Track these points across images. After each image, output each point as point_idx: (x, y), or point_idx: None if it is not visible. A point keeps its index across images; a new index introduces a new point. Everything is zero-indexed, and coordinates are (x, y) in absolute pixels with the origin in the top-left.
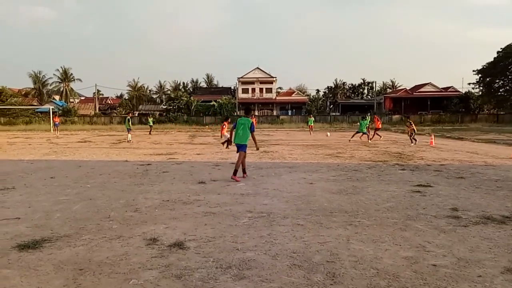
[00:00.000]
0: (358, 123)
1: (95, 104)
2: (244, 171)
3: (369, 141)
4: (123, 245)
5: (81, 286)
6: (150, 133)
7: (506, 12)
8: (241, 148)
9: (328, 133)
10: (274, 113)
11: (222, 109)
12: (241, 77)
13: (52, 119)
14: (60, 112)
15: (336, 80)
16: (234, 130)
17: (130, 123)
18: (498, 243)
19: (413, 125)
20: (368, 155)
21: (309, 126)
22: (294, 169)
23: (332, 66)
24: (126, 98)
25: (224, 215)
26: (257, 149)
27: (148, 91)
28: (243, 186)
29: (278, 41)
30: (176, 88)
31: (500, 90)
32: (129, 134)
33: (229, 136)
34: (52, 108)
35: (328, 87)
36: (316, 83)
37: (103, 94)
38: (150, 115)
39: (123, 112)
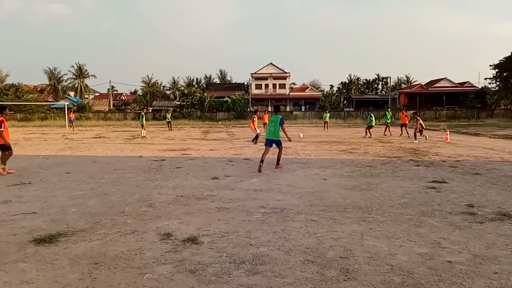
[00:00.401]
0: (371, 117)
1: (110, 100)
2: (277, 163)
3: (403, 135)
4: (137, 240)
5: (96, 280)
6: (170, 129)
7: None
8: (274, 143)
9: (301, 134)
10: (288, 109)
11: (236, 105)
12: (254, 73)
13: (67, 115)
14: (75, 108)
15: (350, 75)
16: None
17: (144, 119)
18: None
19: (420, 120)
20: (383, 151)
21: (324, 122)
22: (308, 165)
23: (346, 61)
24: (140, 94)
25: (238, 211)
26: (289, 140)
27: (161, 87)
28: (256, 182)
29: (291, 37)
30: (189, 84)
31: None
32: (143, 130)
33: (258, 131)
34: (67, 104)
35: (342, 82)
36: (330, 78)
37: (117, 90)
38: (168, 111)
39: (137, 108)
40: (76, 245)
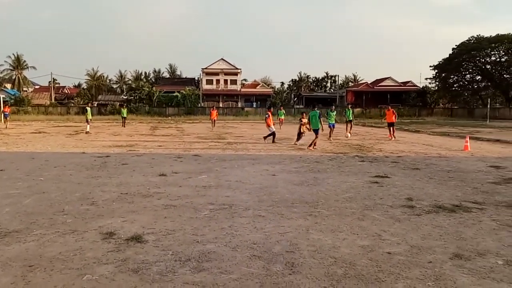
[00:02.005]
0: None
1: (51, 94)
2: (311, 145)
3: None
4: (77, 240)
5: (31, 283)
6: (124, 125)
7: (462, 11)
8: (315, 131)
9: (349, 135)
10: (239, 105)
11: (186, 100)
12: (206, 68)
13: (2, 109)
14: (12, 101)
15: (300, 73)
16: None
17: (89, 113)
18: (448, 230)
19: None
20: (330, 147)
21: (279, 119)
22: (257, 161)
23: (296, 59)
24: (85, 87)
25: (185, 208)
26: (322, 130)
27: (108, 81)
28: (205, 178)
29: (243, 33)
30: (137, 78)
31: (454, 85)
32: (88, 125)
33: (274, 129)
34: (3, 97)
35: (292, 80)
36: (281, 75)
37: (59, 83)
38: (124, 105)
39: (81, 102)
40: (8, 247)
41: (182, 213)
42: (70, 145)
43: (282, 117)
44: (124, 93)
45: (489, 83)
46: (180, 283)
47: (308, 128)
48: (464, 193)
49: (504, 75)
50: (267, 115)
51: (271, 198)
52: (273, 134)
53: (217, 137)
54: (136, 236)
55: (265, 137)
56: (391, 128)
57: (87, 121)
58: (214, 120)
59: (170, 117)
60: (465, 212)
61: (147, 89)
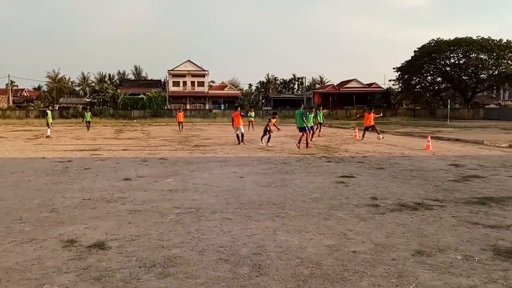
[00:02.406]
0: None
1: (9, 97)
2: (299, 141)
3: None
4: (36, 249)
5: None
6: (88, 129)
7: (423, 14)
8: (300, 130)
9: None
10: (207, 107)
11: (152, 102)
12: (172, 70)
13: None
14: None
15: (268, 75)
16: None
17: (50, 117)
18: (411, 228)
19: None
20: (297, 148)
21: (249, 121)
22: (225, 163)
23: (264, 61)
24: (45, 90)
25: (150, 213)
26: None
27: (70, 83)
28: (171, 182)
29: (210, 35)
30: (101, 80)
31: (417, 87)
32: (48, 129)
33: (243, 130)
34: None
35: (260, 81)
36: (249, 77)
37: (17, 86)
38: (88, 109)
39: (41, 106)
40: None
41: (147, 218)
42: (29, 150)
43: (252, 118)
44: (88, 95)
45: (449, 85)
46: None
47: (277, 128)
48: (426, 191)
49: (463, 77)
50: (243, 114)
51: (239, 201)
52: (241, 136)
53: (184, 140)
54: (98, 243)
55: (262, 137)
56: (365, 132)
57: (47, 124)
58: (181, 123)
59: (135, 120)
60: (426, 210)
61: (112, 91)
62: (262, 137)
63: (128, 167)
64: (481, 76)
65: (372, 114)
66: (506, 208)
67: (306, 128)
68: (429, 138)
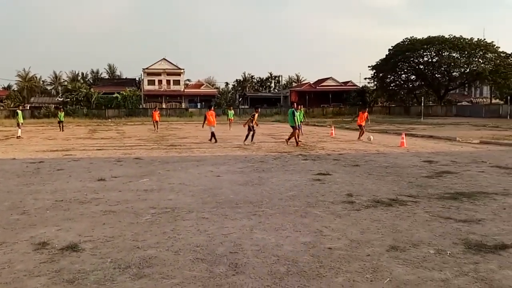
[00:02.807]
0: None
1: None
2: (289, 138)
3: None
4: (6, 252)
5: None
6: (62, 130)
7: (397, 13)
8: (293, 128)
9: (372, 137)
10: (183, 105)
11: (127, 101)
12: (147, 68)
13: None
14: None
15: (244, 73)
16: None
17: (21, 116)
18: (385, 224)
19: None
20: (275, 147)
21: (228, 119)
22: (202, 162)
23: (240, 59)
24: (15, 89)
25: (125, 213)
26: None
27: (41, 82)
28: (147, 182)
29: (186, 33)
30: (74, 79)
31: (391, 85)
32: (19, 129)
33: (213, 129)
34: None
35: (237, 80)
36: (225, 76)
37: None
38: (61, 109)
39: (11, 105)
40: None
41: (122, 219)
42: None
43: (231, 117)
44: (60, 95)
45: (422, 82)
46: None
47: (256, 124)
48: (400, 187)
49: (436, 75)
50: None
51: (215, 200)
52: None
53: (160, 139)
54: (71, 245)
55: (246, 136)
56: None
57: (18, 125)
58: (157, 122)
59: (110, 119)
60: (401, 206)
61: (85, 90)
62: (247, 136)
63: (102, 167)
64: (453, 74)
65: (366, 113)
66: (476, 202)
67: (297, 126)
68: (404, 136)
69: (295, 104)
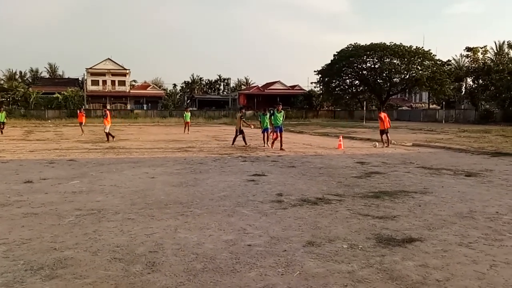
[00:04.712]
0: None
1: None
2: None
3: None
4: None
5: None
6: (1, 132)
7: (342, 20)
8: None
9: (377, 144)
10: (128, 107)
11: (68, 102)
12: (90, 68)
13: None
14: None
15: (193, 75)
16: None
17: None
18: (308, 221)
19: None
20: (217, 149)
21: (185, 122)
22: (139, 164)
23: (189, 61)
24: None
25: (48, 215)
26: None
27: None
28: (77, 184)
29: (132, 33)
30: (11, 77)
31: (337, 89)
32: None
33: (108, 130)
34: None
35: (185, 82)
36: (173, 77)
37: None
38: (2, 109)
39: None
40: None
41: (43, 221)
42: None
43: (188, 120)
44: None
45: (366, 87)
46: None
47: (249, 125)
48: (329, 187)
49: (378, 80)
50: (105, 115)
51: (145, 201)
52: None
53: (99, 141)
54: None
55: (234, 139)
56: (383, 136)
57: None
58: (81, 123)
59: (50, 121)
60: (325, 204)
61: (23, 90)
62: (234, 139)
63: (31, 169)
64: (394, 79)
65: (384, 114)
66: (396, 200)
67: (279, 128)
68: (341, 138)
69: (280, 105)
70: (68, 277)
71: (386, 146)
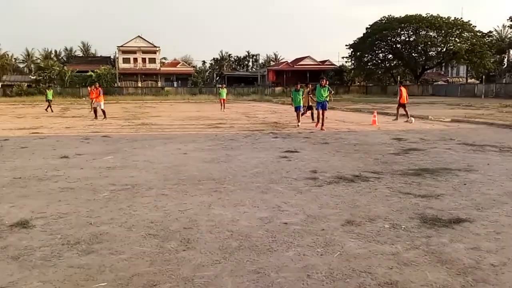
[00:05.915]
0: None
1: None
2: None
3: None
4: None
5: None
6: (51, 110)
7: None
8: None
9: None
10: (159, 84)
11: (101, 80)
12: (121, 46)
13: None
14: None
15: (221, 51)
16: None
17: None
18: (345, 199)
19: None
20: (247, 125)
21: (220, 99)
22: (171, 140)
23: (218, 38)
24: None
25: (83, 190)
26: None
27: (13, 60)
28: (111, 160)
29: (161, 10)
30: (47, 56)
31: (369, 64)
32: None
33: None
34: None
35: (214, 58)
36: (202, 54)
37: None
38: (49, 87)
39: None
40: None
41: (78, 196)
42: None
43: (224, 96)
44: (33, 73)
45: (399, 62)
46: (63, 267)
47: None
48: (366, 164)
49: (413, 54)
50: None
51: (178, 177)
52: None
53: (132, 117)
54: (22, 222)
55: (302, 114)
56: (399, 110)
57: None
58: (92, 101)
59: (84, 98)
60: (363, 182)
61: (58, 68)
62: (303, 114)
63: (67, 145)
64: (430, 53)
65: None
66: (438, 178)
67: (321, 105)
68: (375, 113)
69: (324, 79)
70: (104, 252)
71: (406, 121)
